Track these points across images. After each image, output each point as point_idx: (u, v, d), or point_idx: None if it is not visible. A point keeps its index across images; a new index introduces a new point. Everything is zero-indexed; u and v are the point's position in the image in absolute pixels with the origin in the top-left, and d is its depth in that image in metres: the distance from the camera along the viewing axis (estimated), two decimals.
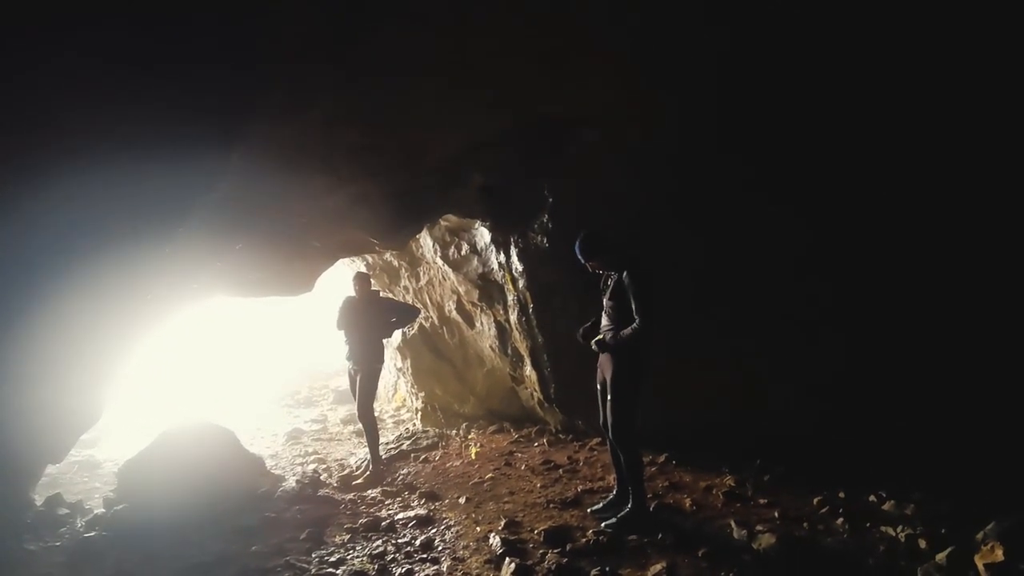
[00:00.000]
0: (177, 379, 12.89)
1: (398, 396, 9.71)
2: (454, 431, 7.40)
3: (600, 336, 4.07)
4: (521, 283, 6.14)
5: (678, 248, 5.05)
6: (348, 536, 4.31)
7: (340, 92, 4.11)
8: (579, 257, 4.08)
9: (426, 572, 3.68)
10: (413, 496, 5.10)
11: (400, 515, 4.64)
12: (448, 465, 6.03)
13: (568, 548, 3.73)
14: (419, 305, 7.82)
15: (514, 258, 6.12)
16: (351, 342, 6.06)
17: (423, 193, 5.85)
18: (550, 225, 5.73)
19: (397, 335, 8.34)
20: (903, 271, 4.63)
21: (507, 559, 3.59)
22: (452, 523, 4.43)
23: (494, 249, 6.42)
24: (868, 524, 3.79)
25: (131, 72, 2.98)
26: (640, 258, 3.97)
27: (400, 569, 3.73)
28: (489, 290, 6.79)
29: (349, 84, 4.03)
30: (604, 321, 4.08)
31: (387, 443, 7.08)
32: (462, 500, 4.86)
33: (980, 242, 4.36)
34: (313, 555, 4.01)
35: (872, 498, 4.14)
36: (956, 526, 3.58)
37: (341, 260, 7.85)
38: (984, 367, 4.45)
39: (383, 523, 4.48)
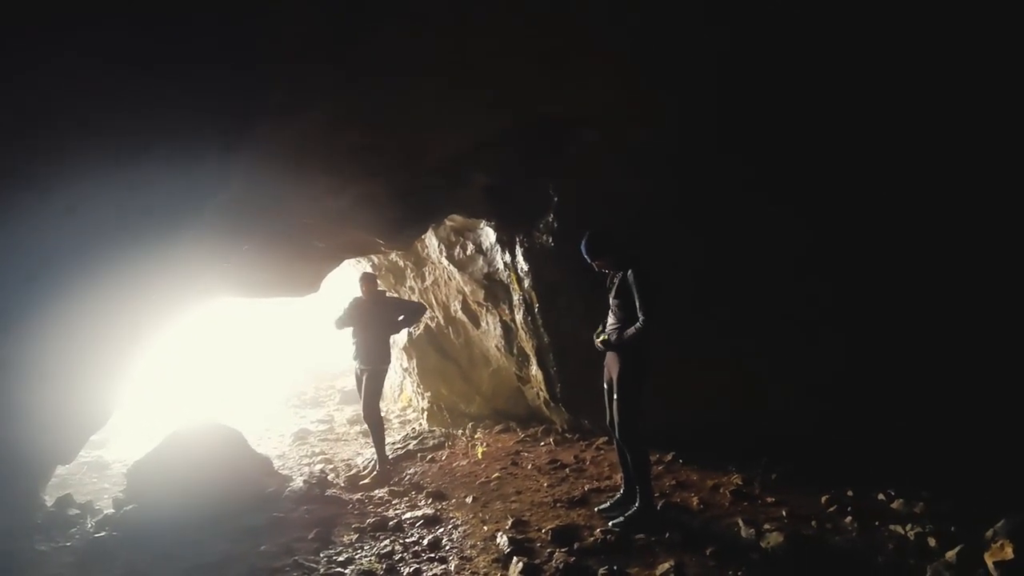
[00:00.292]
0: (184, 380, 12.95)
1: (404, 396, 9.73)
2: (460, 431, 7.41)
3: (604, 336, 4.07)
4: (527, 283, 6.14)
5: (678, 248, 5.05)
6: (356, 536, 4.32)
7: (341, 92, 4.11)
8: (585, 256, 4.09)
9: (434, 571, 3.69)
10: (420, 496, 5.12)
11: (407, 515, 4.65)
12: (455, 465, 6.04)
13: (576, 547, 3.74)
14: (425, 304, 7.82)
15: (519, 258, 6.13)
16: (358, 342, 6.09)
17: (427, 193, 5.86)
18: (555, 225, 5.74)
19: (403, 334, 8.36)
20: (903, 270, 4.62)
21: (515, 558, 3.60)
22: (459, 522, 4.43)
23: (499, 249, 6.43)
24: (877, 523, 3.77)
25: (132, 72, 2.99)
26: (645, 257, 3.97)
27: (408, 568, 3.74)
28: (495, 290, 6.79)
29: (350, 84, 4.03)
30: (610, 320, 4.08)
31: (393, 443, 7.09)
32: (469, 499, 4.87)
33: (981, 239, 4.35)
34: (321, 554, 4.03)
35: (881, 497, 4.12)
36: (965, 524, 3.56)
37: (347, 261, 7.87)
38: (987, 365, 4.44)
39: (390, 523, 4.49)
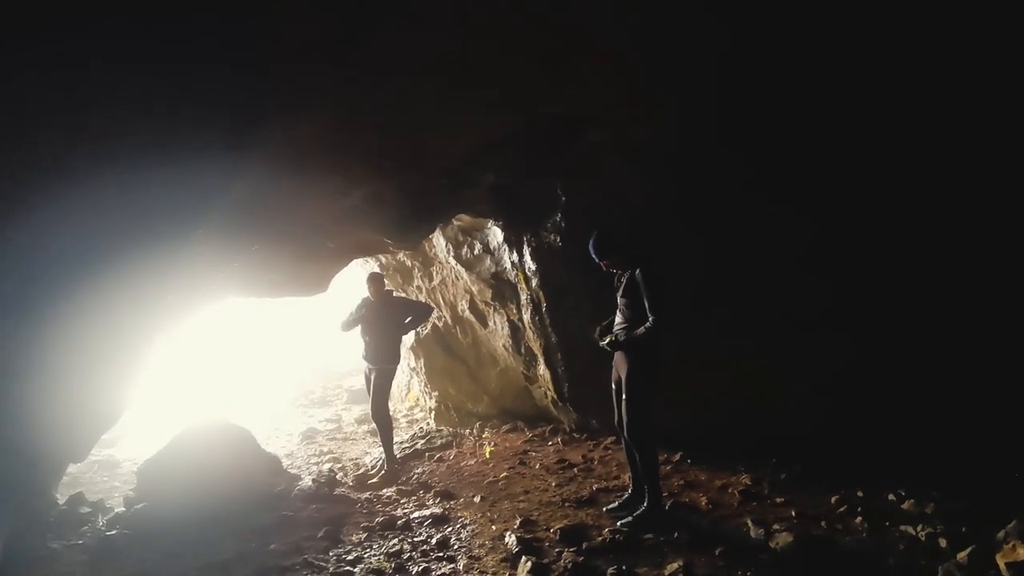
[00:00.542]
0: (193, 380, 13.02)
1: (411, 395, 9.75)
2: (468, 430, 7.42)
3: (611, 337, 4.06)
4: (534, 282, 6.14)
5: (679, 247, 5.03)
6: (365, 535, 4.34)
7: (343, 93, 4.12)
8: (592, 255, 4.09)
9: (442, 570, 3.70)
10: (428, 495, 5.13)
11: (416, 514, 4.66)
12: (462, 464, 6.05)
13: (584, 547, 3.73)
14: (432, 304, 7.84)
15: (527, 257, 6.13)
16: (367, 342, 6.11)
17: (435, 193, 5.87)
18: (563, 224, 5.74)
19: (411, 334, 8.37)
20: (906, 269, 4.61)
21: (523, 557, 3.60)
22: (467, 522, 4.44)
23: (507, 248, 6.43)
24: (887, 523, 3.76)
25: (133, 74, 3.00)
26: (653, 256, 3.96)
27: (417, 567, 3.75)
28: (502, 289, 6.80)
29: (351, 85, 4.04)
30: (618, 319, 4.08)
31: (401, 442, 7.12)
32: (477, 499, 4.87)
33: (988, 237, 4.33)
34: (331, 553, 4.05)
35: (891, 497, 4.10)
36: (976, 525, 3.54)
37: (355, 261, 7.89)
38: (994, 364, 4.43)
39: (399, 522, 4.51)
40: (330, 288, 7.88)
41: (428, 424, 8.34)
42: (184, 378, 12.76)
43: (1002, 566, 3.07)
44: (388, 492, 5.35)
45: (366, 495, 5.33)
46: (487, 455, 6.18)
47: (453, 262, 7.32)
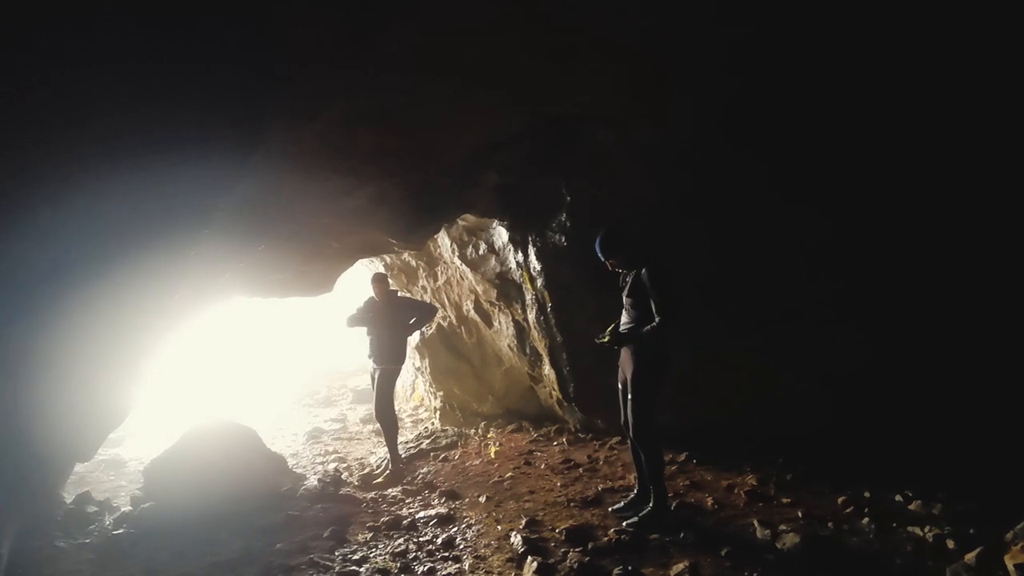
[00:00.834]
0: (199, 379, 13.06)
1: (416, 395, 9.76)
2: (473, 430, 7.42)
3: (608, 333, 4.03)
4: (539, 282, 6.14)
5: (689, 246, 5.03)
6: (370, 534, 4.34)
7: (352, 93, 4.13)
8: (599, 254, 4.08)
9: (448, 570, 3.70)
10: (433, 495, 5.13)
11: (421, 514, 4.66)
12: (468, 464, 6.05)
13: (590, 547, 3.73)
14: (437, 304, 7.85)
15: (532, 257, 6.13)
16: (371, 341, 6.13)
17: (440, 193, 5.88)
18: (568, 224, 5.73)
19: (415, 334, 8.38)
20: (917, 269, 4.59)
21: (529, 558, 3.60)
22: (473, 522, 4.44)
23: (512, 248, 6.43)
24: (894, 524, 3.74)
25: (148, 73, 3.02)
26: (659, 255, 3.95)
27: (422, 567, 3.75)
28: (507, 289, 6.80)
29: (360, 85, 4.05)
30: (624, 318, 4.07)
31: (406, 442, 7.13)
32: (482, 499, 4.87)
33: (1003, 237, 4.31)
34: (336, 553, 4.05)
35: (898, 498, 4.09)
36: (984, 526, 3.53)
37: (360, 261, 7.91)
38: (1002, 363, 4.40)
39: (404, 521, 4.51)
40: (335, 288, 7.90)
41: (433, 424, 8.34)
42: (190, 378, 12.81)
43: (1011, 567, 3.05)
44: (393, 492, 5.36)
45: (371, 495, 5.34)
46: (492, 455, 6.17)
47: (458, 262, 7.33)
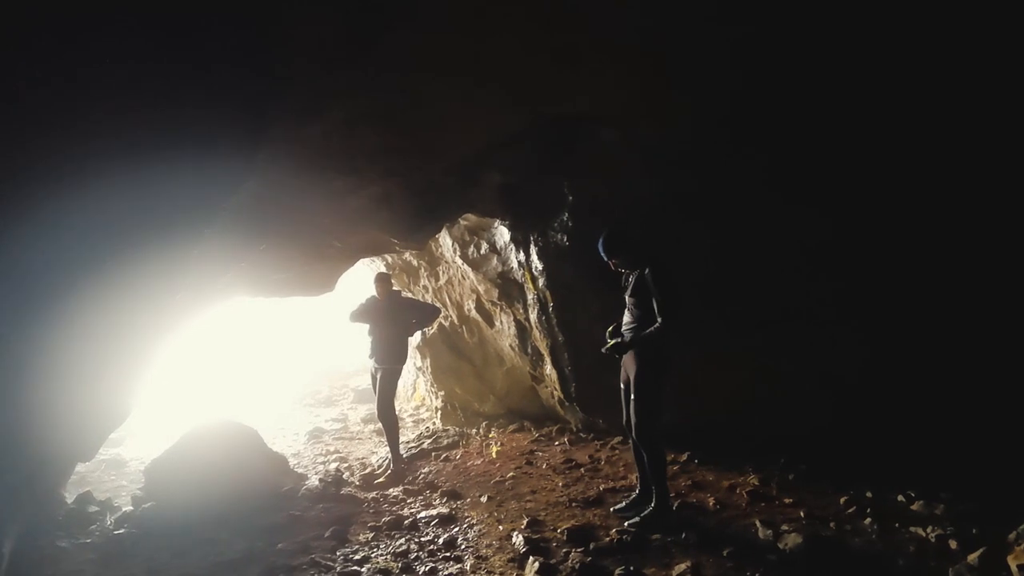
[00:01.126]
0: (200, 379, 13.06)
1: (417, 395, 9.76)
2: (474, 430, 7.41)
3: (616, 340, 4.03)
4: (541, 282, 6.13)
5: (691, 246, 5.03)
6: (372, 534, 4.33)
7: (356, 93, 4.14)
8: (601, 254, 4.07)
9: (450, 570, 3.69)
10: (435, 495, 5.12)
11: (422, 514, 4.66)
12: (469, 464, 6.05)
13: (592, 547, 3.72)
14: (439, 304, 7.84)
15: (534, 257, 6.12)
16: (373, 341, 6.12)
17: (442, 192, 5.88)
18: (570, 223, 5.73)
19: (418, 334, 8.38)
20: (918, 268, 4.59)
21: (531, 558, 3.60)
22: (474, 522, 4.43)
23: (514, 248, 6.43)
24: (897, 524, 3.74)
25: (152, 74, 3.02)
26: (662, 255, 3.94)
27: (424, 567, 3.74)
28: (509, 289, 6.79)
29: (364, 85, 4.05)
30: (626, 318, 4.06)
31: (407, 442, 7.12)
32: (484, 499, 4.87)
33: (1005, 236, 4.30)
34: (338, 553, 4.05)
35: (900, 498, 4.08)
36: (987, 526, 3.52)
37: (361, 260, 7.90)
38: (1003, 364, 4.40)
39: (406, 521, 4.51)
40: (337, 287, 7.89)
41: (434, 424, 8.33)
42: (191, 377, 12.81)
43: (1014, 568, 3.05)
44: (395, 492, 5.35)
45: (373, 495, 5.33)
46: (493, 455, 6.17)
47: (459, 261, 7.32)
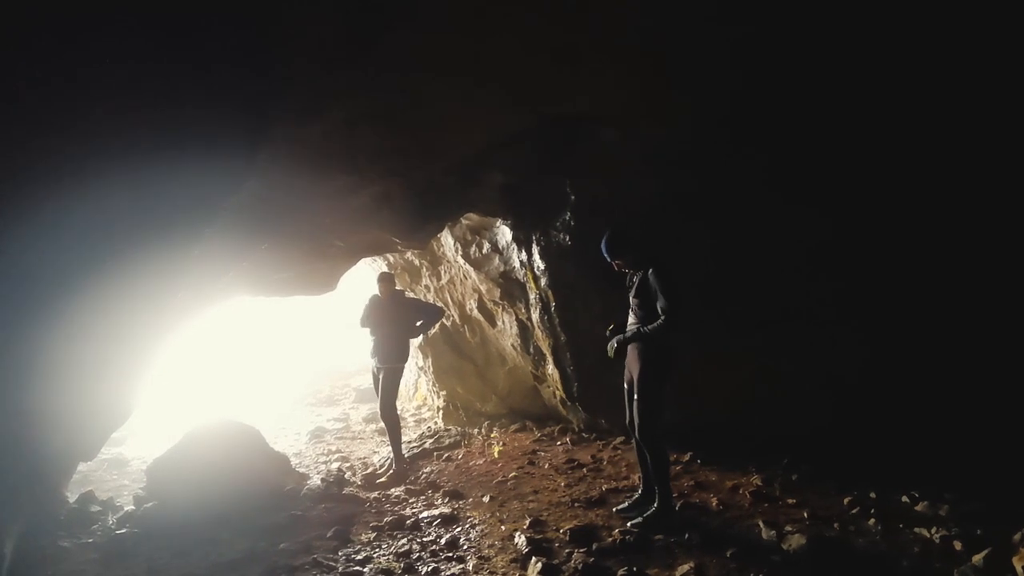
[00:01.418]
0: (201, 378, 13.06)
1: (419, 395, 9.75)
2: (476, 430, 7.41)
3: (619, 335, 4.03)
4: (543, 281, 6.12)
5: (690, 246, 5.02)
6: (374, 534, 4.32)
7: (356, 93, 4.13)
8: (605, 255, 4.05)
9: (452, 571, 3.68)
10: (437, 495, 5.11)
11: (425, 513, 4.65)
12: (471, 464, 6.04)
13: (594, 547, 3.71)
14: (442, 306, 7.83)
15: (536, 256, 6.11)
16: (375, 341, 6.11)
17: (444, 192, 5.87)
18: (572, 223, 5.72)
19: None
20: (920, 268, 4.58)
21: (533, 558, 3.58)
22: (477, 522, 4.42)
23: (516, 247, 6.41)
24: (901, 525, 3.72)
25: (153, 74, 3.01)
26: (666, 256, 3.93)
27: (426, 567, 3.73)
28: (511, 288, 6.78)
29: (364, 85, 4.05)
30: (630, 319, 4.05)
31: (409, 442, 7.12)
32: (486, 499, 4.86)
33: (1008, 235, 4.28)
34: (340, 553, 4.04)
35: (904, 499, 4.06)
36: (992, 527, 3.50)
37: (363, 260, 7.89)
38: (1007, 364, 4.38)
39: (408, 521, 4.50)
40: (338, 287, 7.88)
41: (436, 423, 8.33)
42: (193, 377, 12.81)
43: (1019, 569, 3.03)
44: (397, 491, 5.35)
45: (375, 494, 5.33)
46: (496, 455, 6.16)
47: (461, 261, 7.31)
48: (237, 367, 14.88)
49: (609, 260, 4.07)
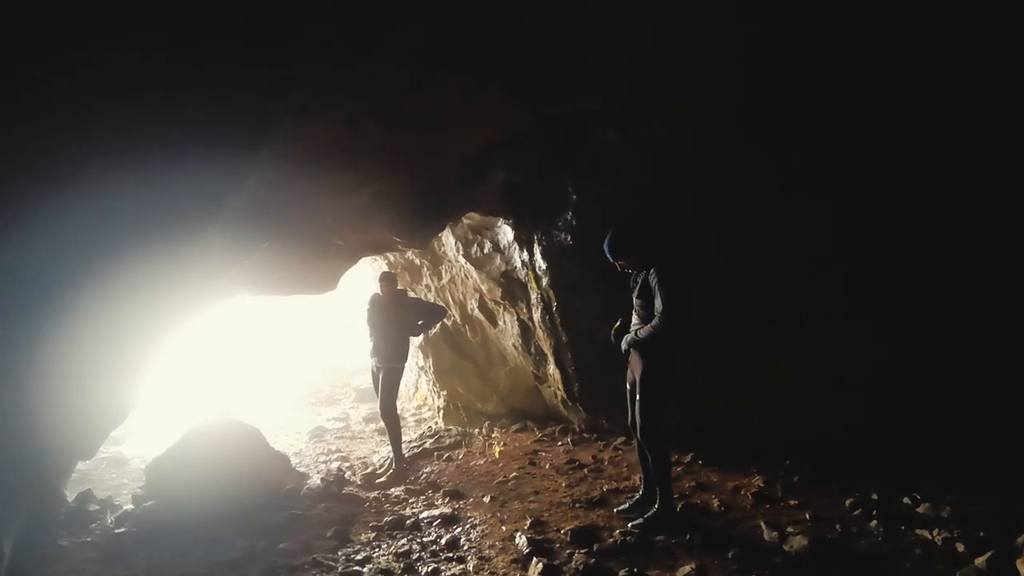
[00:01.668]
0: (201, 377, 13.04)
1: (419, 394, 9.74)
2: (477, 430, 7.40)
3: (630, 334, 4.02)
4: (545, 281, 6.11)
5: (694, 245, 4.99)
6: (374, 534, 4.32)
7: (357, 92, 4.12)
8: (607, 255, 4.02)
9: (452, 571, 3.67)
10: (437, 495, 5.11)
11: (425, 513, 4.64)
12: (472, 464, 6.03)
13: (595, 548, 3.70)
14: (443, 305, 7.82)
15: (537, 256, 6.10)
16: (375, 340, 6.10)
17: (445, 191, 5.85)
18: (574, 223, 5.70)
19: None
20: (927, 267, 4.56)
21: (534, 559, 3.57)
22: (477, 522, 4.42)
23: (517, 247, 6.40)
24: (903, 527, 3.70)
25: (155, 72, 3.01)
26: (669, 256, 3.90)
27: (426, 568, 3.72)
28: (512, 288, 6.77)
29: (367, 83, 4.03)
30: (633, 320, 4.03)
31: (409, 441, 7.11)
32: (487, 499, 4.85)
33: (1007, 233, 4.27)
34: (340, 553, 4.03)
35: (906, 500, 4.04)
36: (995, 529, 3.49)
37: (364, 259, 7.88)
38: (1011, 364, 4.36)
39: (408, 521, 4.49)
40: (339, 286, 7.87)
41: (436, 423, 8.32)
42: (192, 376, 12.79)
43: (1022, 572, 3.01)
44: (397, 491, 5.34)
45: (375, 494, 5.32)
46: (496, 455, 6.15)
47: (462, 260, 7.30)
48: (237, 366, 14.86)
49: (612, 260, 4.04)
